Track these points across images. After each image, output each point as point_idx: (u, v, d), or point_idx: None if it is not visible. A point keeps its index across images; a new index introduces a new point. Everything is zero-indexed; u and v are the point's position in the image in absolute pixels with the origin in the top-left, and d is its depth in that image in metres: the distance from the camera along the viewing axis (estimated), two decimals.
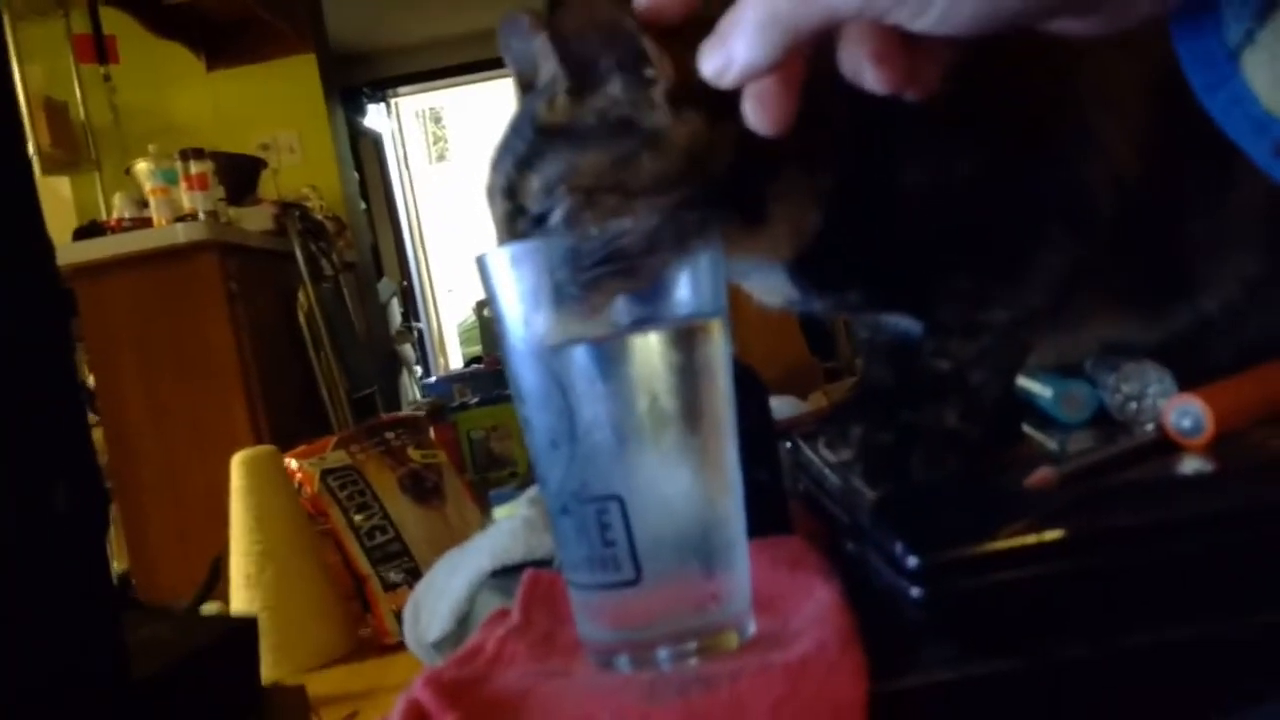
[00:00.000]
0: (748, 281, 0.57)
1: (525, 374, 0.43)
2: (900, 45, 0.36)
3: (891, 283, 0.55)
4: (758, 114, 0.41)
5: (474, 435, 2.50)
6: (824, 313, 0.59)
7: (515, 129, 0.51)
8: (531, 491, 0.79)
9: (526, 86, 0.54)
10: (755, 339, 2.09)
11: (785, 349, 2.12)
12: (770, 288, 0.57)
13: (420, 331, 5.99)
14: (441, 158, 7.32)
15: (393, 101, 6.51)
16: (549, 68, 0.49)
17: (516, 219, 0.50)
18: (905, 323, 0.59)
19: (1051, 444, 0.54)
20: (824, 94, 0.44)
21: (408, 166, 6.65)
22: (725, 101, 0.42)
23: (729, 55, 0.38)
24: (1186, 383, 0.52)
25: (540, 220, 0.49)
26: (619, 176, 0.47)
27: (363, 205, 4.64)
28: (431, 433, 2.05)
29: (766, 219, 0.51)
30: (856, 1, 0.34)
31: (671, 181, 0.47)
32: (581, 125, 0.48)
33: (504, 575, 0.67)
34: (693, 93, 0.45)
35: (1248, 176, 0.54)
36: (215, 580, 1.72)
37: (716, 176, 0.48)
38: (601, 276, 0.43)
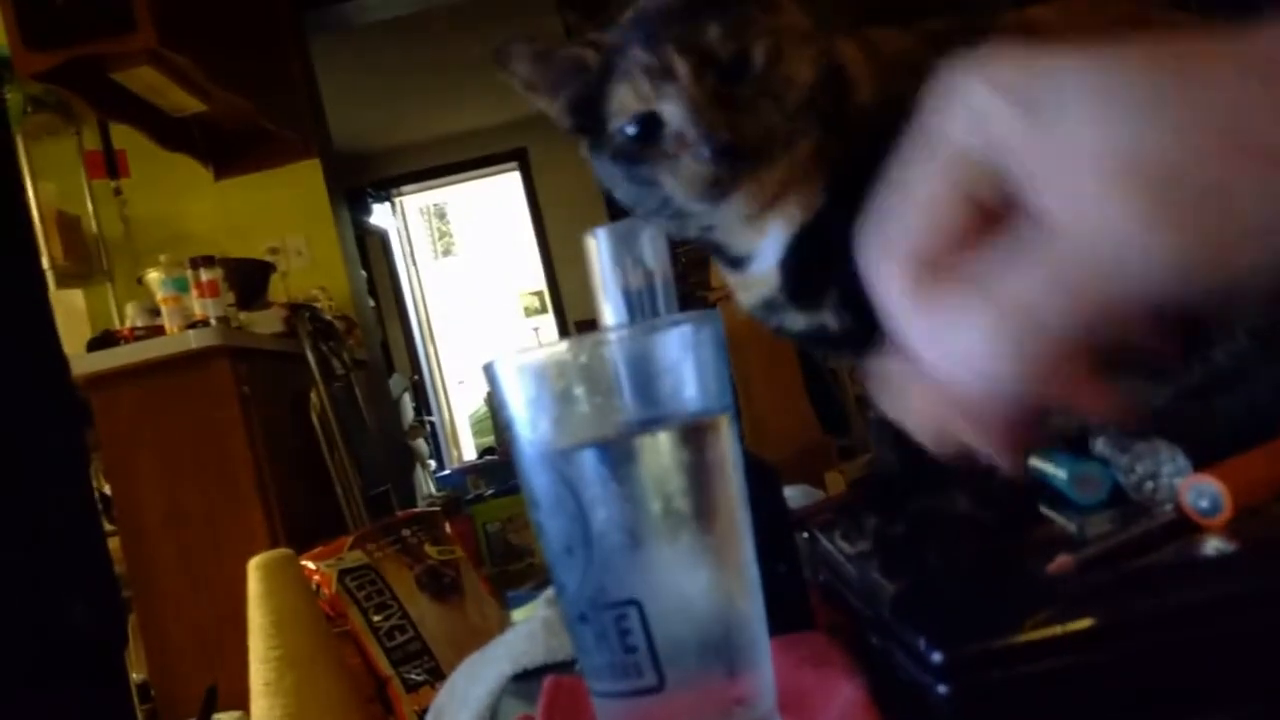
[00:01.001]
0: (744, 273, 0.58)
1: (537, 479, 0.43)
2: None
3: (869, 312, 0.55)
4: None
5: (490, 528, 2.48)
6: (799, 334, 0.60)
7: (661, 10, 0.54)
8: (549, 592, 0.78)
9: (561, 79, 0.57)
10: (768, 419, 2.09)
11: (798, 428, 2.11)
12: (760, 276, 0.58)
13: (433, 424, 5.99)
14: (447, 252, 7.42)
15: (397, 200, 6.63)
16: None
17: (705, 72, 0.52)
18: None
19: (1070, 526, 0.53)
20: (855, 72, 0.50)
21: (414, 262, 6.74)
22: None
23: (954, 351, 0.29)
24: (1197, 450, 0.52)
25: (729, 69, 0.51)
26: (782, 23, 0.52)
27: (371, 303, 4.70)
28: (447, 527, 2.03)
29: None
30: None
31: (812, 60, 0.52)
32: None
33: (525, 679, 0.66)
34: None
35: None
36: (212, 707, 1.69)
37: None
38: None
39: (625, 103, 0.54)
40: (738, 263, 0.58)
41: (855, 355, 0.60)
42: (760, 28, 0.51)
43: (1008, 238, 0.28)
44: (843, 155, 0.52)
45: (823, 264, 0.55)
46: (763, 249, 0.56)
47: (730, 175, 0.52)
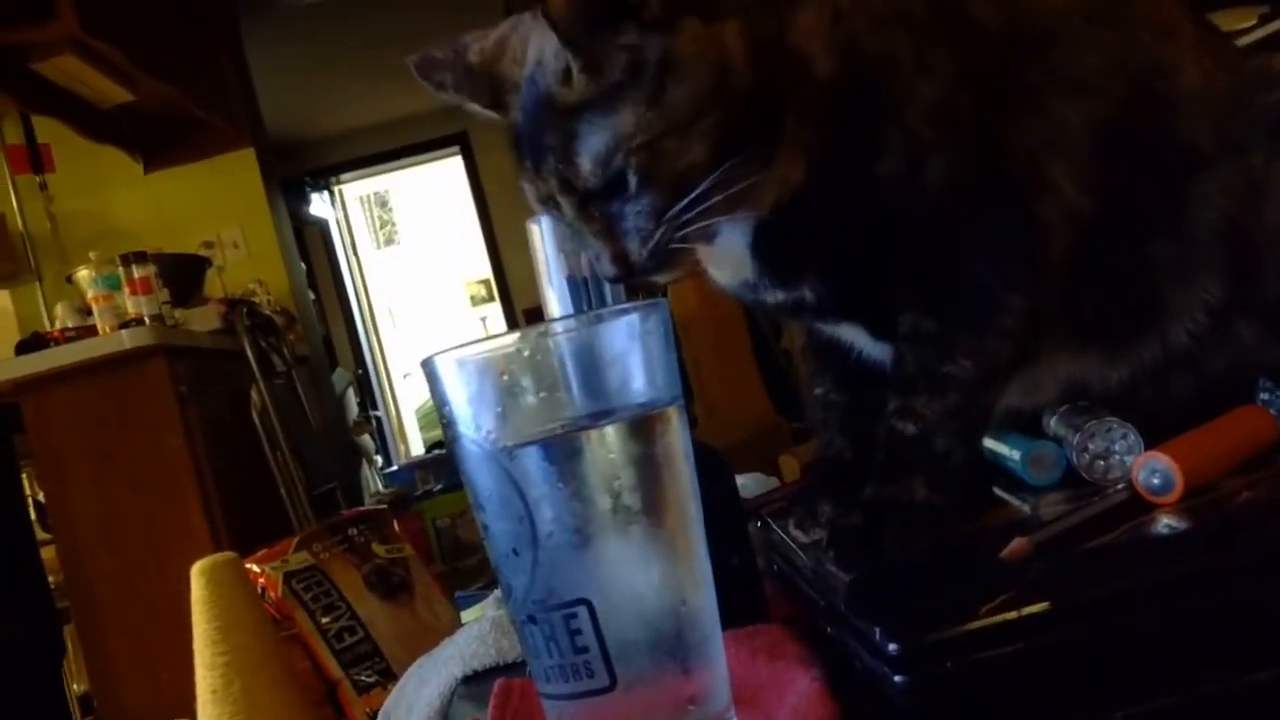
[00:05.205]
0: (714, 249, 0.56)
1: (481, 478, 0.42)
2: None
3: (850, 282, 0.55)
4: None
5: (439, 523, 2.44)
6: (777, 310, 0.59)
7: (535, 128, 0.51)
8: (498, 591, 0.77)
9: (492, 99, 0.55)
10: (720, 403, 2.08)
11: (751, 411, 2.10)
12: (731, 258, 0.56)
13: (379, 419, 5.92)
14: (390, 241, 7.32)
15: (336, 188, 6.52)
16: (543, 54, 0.51)
17: (589, 204, 0.51)
18: (860, 340, 0.59)
19: (1023, 507, 0.53)
20: (810, 47, 0.49)
21: (355, 252, 6.64)
22: (713, 5, 0.48)
23: None
24: (1147, 426, 0.52)
25: (610, 191, 0.50)
26: (661, 117, 0.48)
27: (312, 296, 4.61)
28: (395, 525, 2.00)
29: (774, 161, 0.51)
30: None
31: (705, 97, 0.48)
32: (606, 89, 0.49)
33: (476, 681, 0.65)
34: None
35: (1202, 197, 0.55)
36: None
37: (740, 95, 0.49)
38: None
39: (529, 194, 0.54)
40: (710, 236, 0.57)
41: (837, 321, 0.59)
42: (630, 136, 0.49)
43: None
44: (812, 134, 0.51)
45: (798, 241, 0.54)
46: (732, 230, 0.55)
47: (638, 278, 0.52)
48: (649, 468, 0.41)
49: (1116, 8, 0.59)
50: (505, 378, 0.41)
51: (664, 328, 0.43)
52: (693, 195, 0.49)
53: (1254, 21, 1.51)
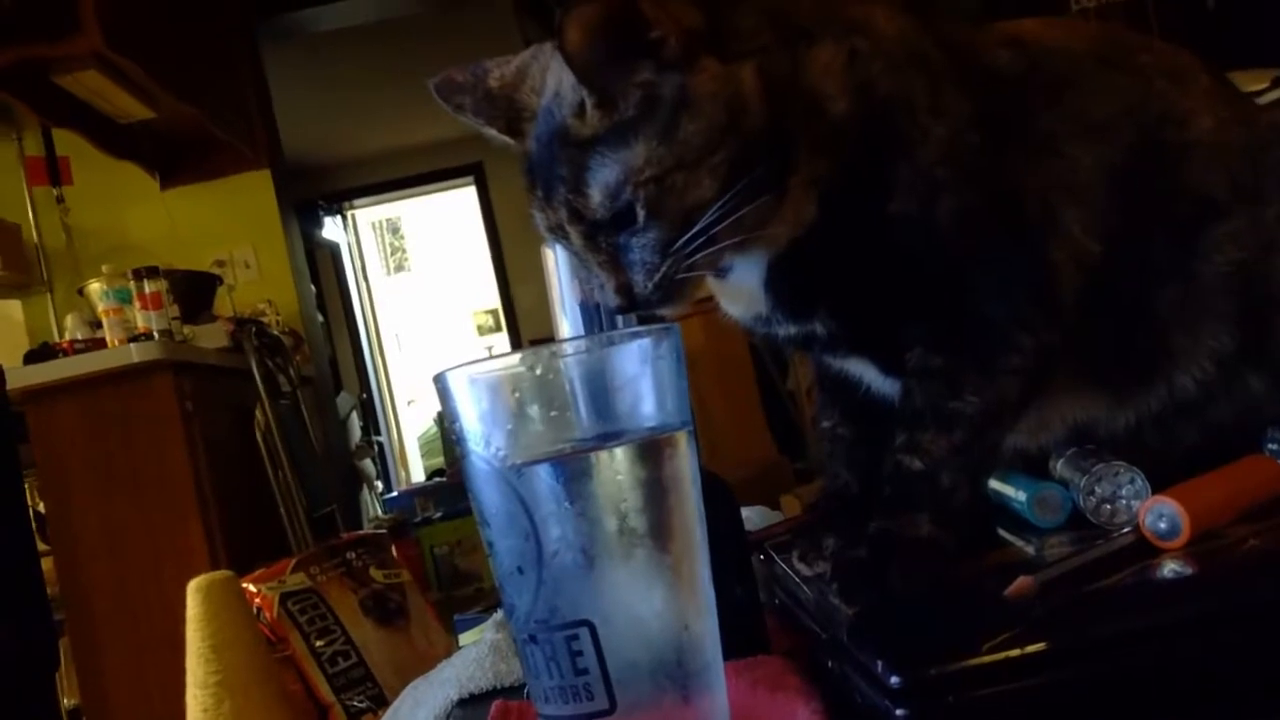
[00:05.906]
0: (726, 283, 0.57)
1: (488, 495, 0.42)
2: None
3: (861, 317, 0.55)
4: None
5: (438, 551, 2.44)
6: (788, 343, 0.59)
7: (548, 158, 0.52)
8: (497, 615, 0.76)
9: (508, 125, 0.56)
10: (724, 440, 2.08)
11: (754, 449, 2.10)
12: (744, 293, 0.57)
13: (381, 445, 5.91)
14: (400, 268, 7.35)
15: (349, 213, 6.56)
16: (560, 85, 0.52)
17: (596, 235, 0.52)
18: (869, 375, 0.59)
19: (1028, 549, 0.53)
20: (825, 86, 0.50)
21: (365, 277, 6.67)
22: (731, 44, 0.48)
23: None
24: (1154, 471, 0.52)
25: (617, 223, 0.51)
26: (673, 152, 0.49)
27: (320, 318, 4.63)
28: (394, 550, 1.99)
29: (785, 192, 0.52)
30: None
31: (717, 134, 0.49)
32: (620, 123, 0.50)
33: (472, 704, 0.64)
34: (700, 39, 0.49)
35: (1214, 247, 0.55)
36: None
37: (752, 132, 0.50)
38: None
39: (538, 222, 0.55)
40: (720, 271, 0.57)
41: (846, 355, 0.60)
42: (640, 170, 0.49)
43: None
44: (828, 170, 0.52)
45: (810, 276, 0.54)
46: (746, 265, 0.55)
47: (643, 309, 0.54)
48: (656, 491, 0.41)
49: (1132, 54, 0.59)
50: (516, 396, 0.42)
51: (676, 352, 0.43)
52: (697, 228, 0.50)
53: (1267, 84, 1.53)
